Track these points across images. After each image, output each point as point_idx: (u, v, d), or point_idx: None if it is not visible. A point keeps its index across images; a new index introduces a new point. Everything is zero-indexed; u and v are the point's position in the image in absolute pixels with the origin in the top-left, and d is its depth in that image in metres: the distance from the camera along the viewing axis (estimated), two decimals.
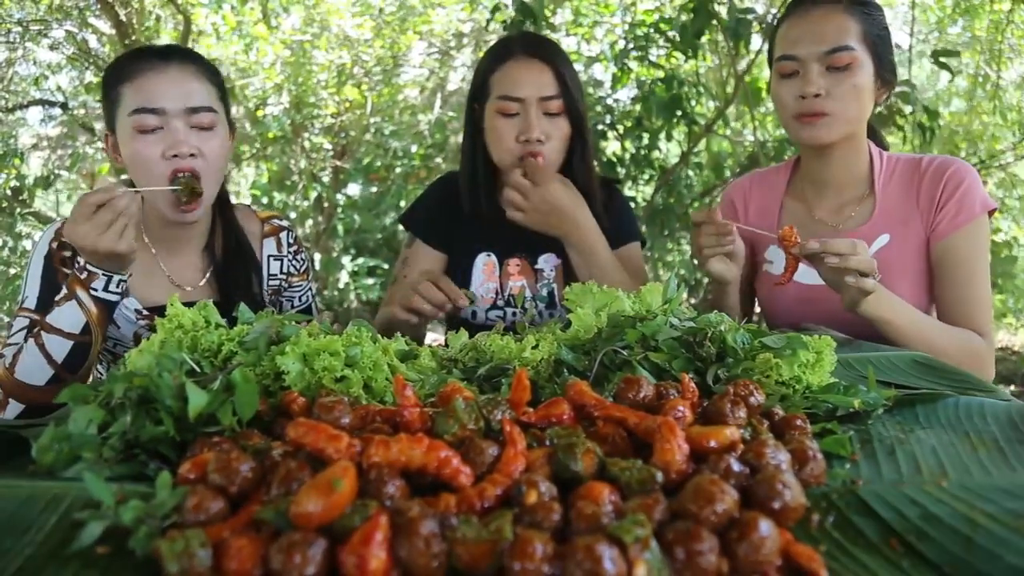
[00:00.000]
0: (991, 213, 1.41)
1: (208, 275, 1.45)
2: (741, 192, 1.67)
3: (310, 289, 1.64)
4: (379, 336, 0.87)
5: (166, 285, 1.41)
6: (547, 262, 1.68)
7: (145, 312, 1.36)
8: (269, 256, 1.55)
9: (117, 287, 1.18)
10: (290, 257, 1.57)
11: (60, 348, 1.17)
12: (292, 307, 1.61)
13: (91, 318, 1.18)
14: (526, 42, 1.59)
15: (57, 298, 1.19)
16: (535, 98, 1.50)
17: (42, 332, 1.18)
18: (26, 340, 1.20)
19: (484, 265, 1.67)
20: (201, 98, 1.30)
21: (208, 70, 1.35)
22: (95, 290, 1.17)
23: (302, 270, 1.60)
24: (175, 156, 1.26)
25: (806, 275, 1.49)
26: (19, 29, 4.44)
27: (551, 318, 1.67)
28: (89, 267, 1.16)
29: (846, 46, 1.35)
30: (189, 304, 1.23)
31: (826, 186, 1.53)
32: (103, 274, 1.16)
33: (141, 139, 1.26)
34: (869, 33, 1.38)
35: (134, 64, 1.29)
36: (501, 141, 1.54)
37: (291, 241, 1.58)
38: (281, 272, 1.56)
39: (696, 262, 1.42)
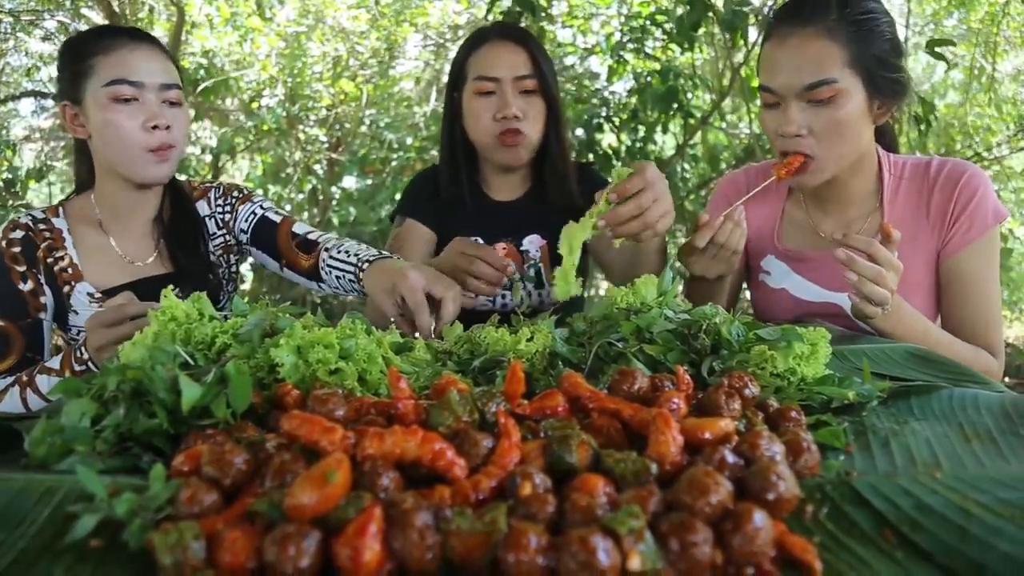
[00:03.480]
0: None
1: (158, 249, 1.50)
2: (736, 189, 1.57)
3: (260, 204, 1.58)
4: (373, 328, 0.87)
5: (119, 265, 1.45)
6: (532, 243, 1.72)
7: (99, 295, 1.40)
8: (204, 217, 1.59)
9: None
10: (220, 206, 1.58)
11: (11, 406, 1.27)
12: (242, 232, 1.57)
13: (29, 411, 1.23)
14: (500, 28, 1.67)
15: (3, 385, 1.29)
16: (510, 77, 1.56)
17: None
18: None
19: None
20: (172, 76, 1.39)
21: (170, 54, 1.44)
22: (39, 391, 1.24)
23: (234, 201, 1.59)
24: (155, 128, 1.34)
25: (803, 290, 1.47)
26: (10, 20, 4.40)
27: (540, 298, 1.71)
28: (42, 368, 1.24)
29: (826, 80, 1.21)
30: (144, 280, 1.34)
31: (830, 203, 1.44)
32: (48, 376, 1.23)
33: (117, 109, 1.33)
34: (859, 56, 1.22)
35: (108, 39, 1.35)
36: (479, 120, 1.59)
37: (218, 194, 1.60)
38: (218, 228, 1.59)
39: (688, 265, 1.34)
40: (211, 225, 1.58)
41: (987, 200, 1.32)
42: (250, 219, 1.57)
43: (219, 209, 1.59)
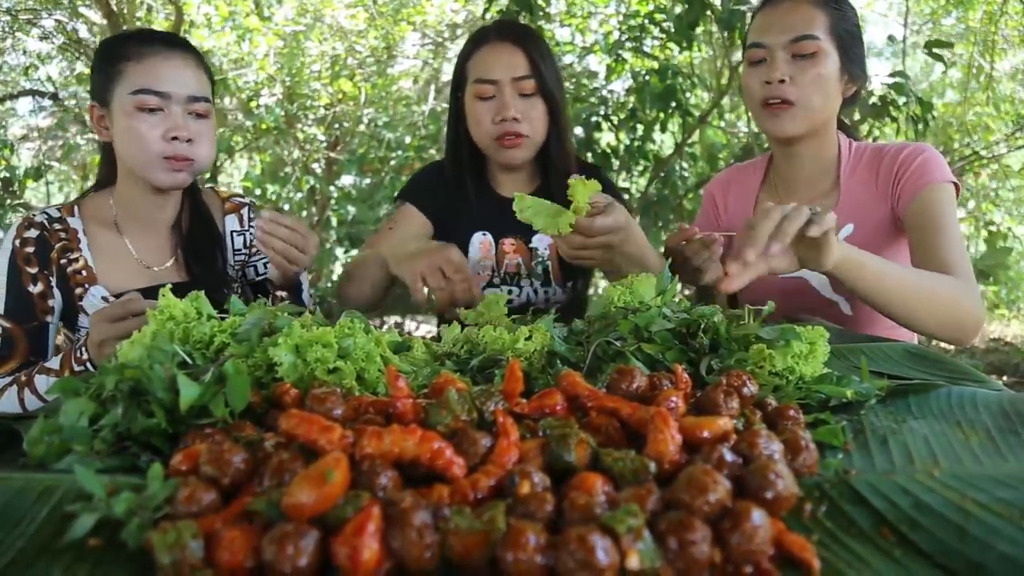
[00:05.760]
0: (957, 190, 1.40)
1: (176, 255, 1.50)
2: (720, 188, 1.72)
3: None
4: (372, 328, 0.87)
5: (135, 268, 1.45)
6: (541, 241, 1.72)
7: (113, 298, 1.38)
8: (232, 232, 1.60)
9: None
10: (252, 231, 1.61)
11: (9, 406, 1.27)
12: (257, 274, 1.65)
13: (25, 411, 1.23)
14: (500, 28, 1.65)
15: (1, 384, 1.28)
16: (508, 79, 1.56)
17: None
18: None
19: (480, 244, 1.72)
20: (200, 88, 1.37)
21: (203, 63, 1.42)
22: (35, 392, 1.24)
23: None
24: (174, 139, 1.33)
25: None
26: (8, 18, 4.40)
27: (546, 296, 1.70)
28: (41, 368, 1.25)
29: (811, 35, 1.39)
30: (160, 286, 1.29)
31: (796, 181, 1.55)
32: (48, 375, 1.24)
33: (141, 117, 1.32)
34: (836, 27, 1.41)
35: (141, 45, 1.34)
36: (479, 124, 1.60)
37: (252, 216, 1.63)
38: (244, 246, 1.62)
39: (687, 282, 1.38)
40: (239, 241, 1.60)
41: (932, 162, 1.41)
42: (269, 268, 1.61)
43: (251, 231, 1.61)
